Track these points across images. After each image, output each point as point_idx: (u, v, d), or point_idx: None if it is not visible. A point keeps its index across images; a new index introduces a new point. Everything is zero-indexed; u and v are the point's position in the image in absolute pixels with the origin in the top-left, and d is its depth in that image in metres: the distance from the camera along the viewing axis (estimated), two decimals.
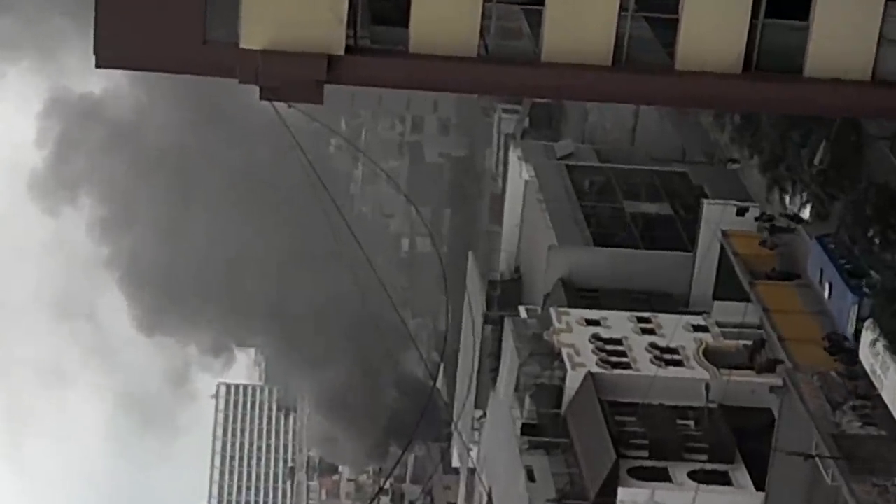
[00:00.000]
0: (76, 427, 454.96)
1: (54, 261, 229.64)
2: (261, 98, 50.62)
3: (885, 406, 68.52)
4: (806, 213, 79.20)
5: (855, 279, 71.27)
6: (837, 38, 49.50)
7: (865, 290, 69.87)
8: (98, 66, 49.70)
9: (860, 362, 68.89)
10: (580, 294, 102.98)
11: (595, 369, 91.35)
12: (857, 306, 70.06)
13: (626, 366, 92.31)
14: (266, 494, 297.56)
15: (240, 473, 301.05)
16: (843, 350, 73.17)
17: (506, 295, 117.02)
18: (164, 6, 48.64)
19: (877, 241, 68.84)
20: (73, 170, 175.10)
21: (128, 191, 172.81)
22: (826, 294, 74.31)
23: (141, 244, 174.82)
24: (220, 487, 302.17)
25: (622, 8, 49.08)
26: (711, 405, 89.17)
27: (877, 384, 66.10)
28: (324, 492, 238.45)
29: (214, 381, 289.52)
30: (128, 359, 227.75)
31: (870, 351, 66.21)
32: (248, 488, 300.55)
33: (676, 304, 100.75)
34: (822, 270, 74.28)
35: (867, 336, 66.53)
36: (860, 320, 69.61)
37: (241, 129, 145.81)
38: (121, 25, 48.65)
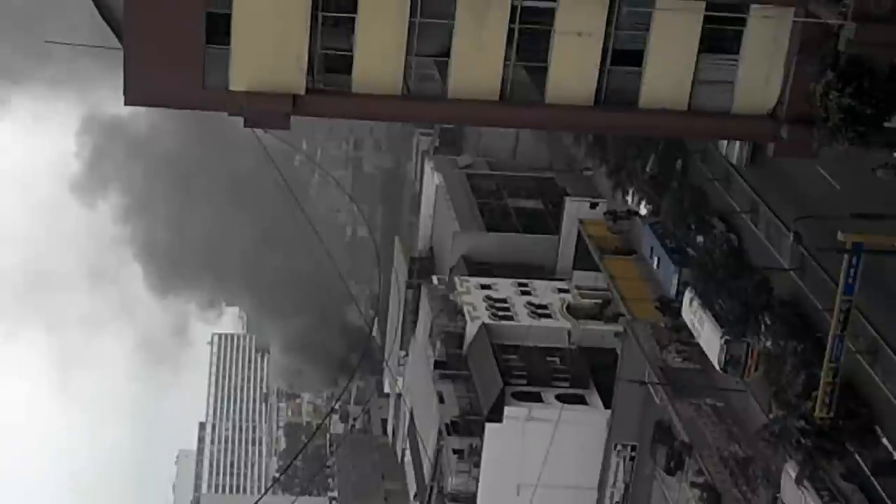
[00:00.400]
0: (107, 364, 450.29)
1: (90, 241, 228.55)
2: (244, 126, 50.23)
3: (700, 348, 68.77)
4: (640, 208, 79.12)
5: (675, 255, 71.06)
6: (663, 80, 48.97)
7: (683, 264, 70.11)
8: (126, 104, 49.28)
9: (682, 317, 68.94)
10: (477, 267, 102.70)
11: (487, 321, 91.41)
12: (677, 275, 69.75)
13: (510, 318, 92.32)
14: (247, 414, 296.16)
15: (228, 398, 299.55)
16: (670, 309, 73.25)
17: (422, 268, 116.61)
18: (175, 61, 48.03)
19: (692, 227, 68.75)
20: (103, 173, 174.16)
21: (144, 188, 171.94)
22: (655, 266, 73.84)
23: (153, 227, 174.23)
24: (214, 408, 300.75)
25: (506, 59, 48.55)
26: (572, 347, 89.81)
27: (695, 333, 65.85)
28: (290, 412, 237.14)
29: (209, 330, 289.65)
30: (143, 313, 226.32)
31: (689, 309, 65.87)
32: (234, 409, 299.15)
33: (546, 273, 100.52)
34: (652, 248, 73.74)
35: (687, 298, 66.32)
36: (679, 285, 69.47)
37: (230, 144, 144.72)
38: (143, 75, 47.96)
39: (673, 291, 71.12)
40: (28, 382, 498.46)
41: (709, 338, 63.91)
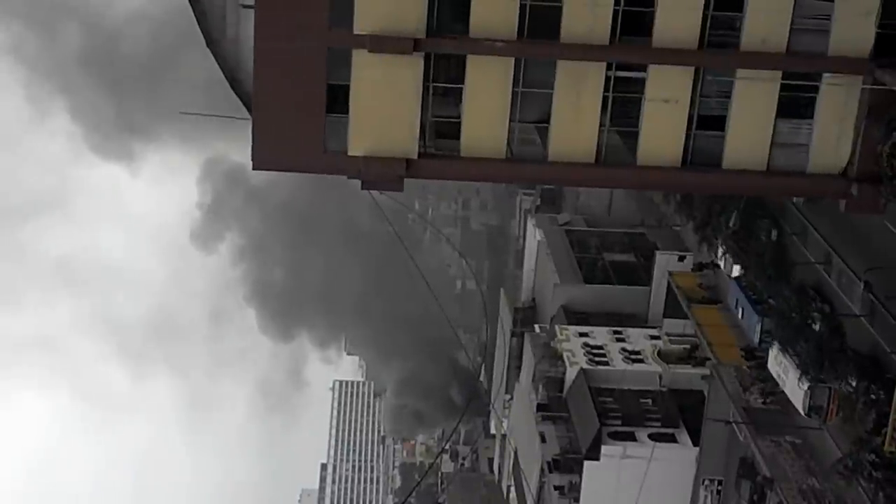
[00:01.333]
0: (229, 405, 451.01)
1: (210, 286, 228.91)
2: (362, 188, 51.15)
3: (781, 390, 68.76)
4: (724, 261, 78.97)
5: (758, 305, 70.50)
6: (744, 143, 49.46)
7: (765, 314, 69.57)
8: (254, 168, 50.22)
9: (766, 367, 68.88)
10: (575, 316, 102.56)
11: (585, 366, 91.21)
12: (760, 324, 69.34)
13: (606, 363, 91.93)
14: (365, 454, 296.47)
15: (347, 440, 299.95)
16: (753, 356, 73.17)
17: (525, 317, 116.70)
18: (298, 129, 48.97)
19: (771, 277, 68.56)
20: (222, 221, 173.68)
21: (260, 232, 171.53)
22: (740, 316, 73.35)
23: (269, 270, 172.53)
24: (335, 450, 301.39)
25: (601, 125, 48.97)
26: (663, 389, 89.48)
27: (780, 383, 65.54)
28: (404, 453, 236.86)
29: (327, 372, 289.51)
30: (261, 356, 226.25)
31: (775, 361, 65.66)
32: (353, 451, 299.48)
33: (639, 321, 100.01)
34: (737, 300, 72.99)
35: (773, 352, 66.06)
36: (762, 333, 69.14)
37: (345, 195, 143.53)
38: (269, 142, 49.01)
39: (756, 339, 70.70)
40: (154, 423, 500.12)
41: (793, 386, 63.60)
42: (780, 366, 65.17)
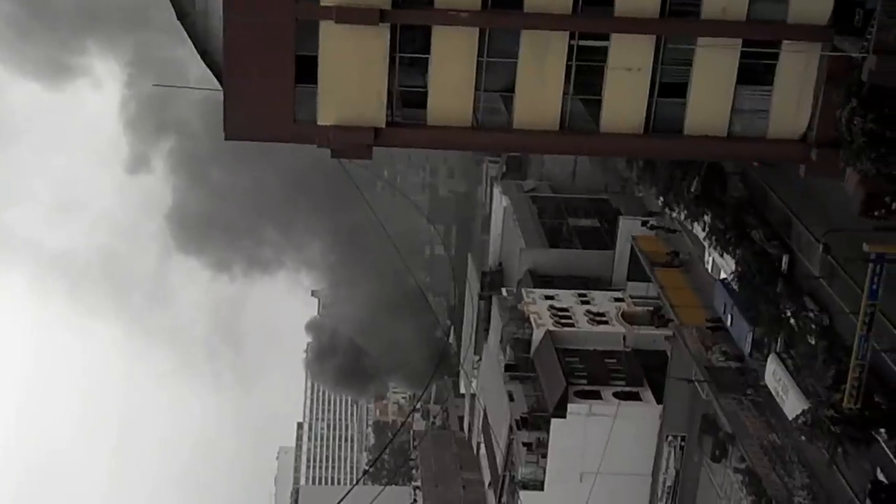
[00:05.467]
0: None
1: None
2: (332, 156, 50.87)
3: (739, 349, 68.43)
4: (688, 225, 78.57)
5: (748, 313, 66.77)
6: (704, 109, 49.22)
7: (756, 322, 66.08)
8: (226, 139, 49.99)
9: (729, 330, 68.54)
10: (541, 279, 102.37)
11: (552, 328, 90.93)
12: (751, 334, 66.20)
13: (572, 325, 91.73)
14: (340, 414, 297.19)
15: (322, 400, 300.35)
16: (718, 329, 72.89)
17: (493, 281, 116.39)
18: (268, 100, 48.74)
19: (732, 240, 67.80)
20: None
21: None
22: (728, 322, 69.70)
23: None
24: (310, 410, 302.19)
25: (564, 93, 48.79)
26: (627, 349, 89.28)
27: (778, 401, 62.08)
28: (377, 412, 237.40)
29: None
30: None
31: (773, 377, 62.35)
32: (329, 410, 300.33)
33: (603, 284, 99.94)
34: (725, 305, 69.90)
35: (770, 367, 63.03)
36: (753, 342, 66.41)
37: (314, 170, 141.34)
38: (240, 113, 48.88)
39: (747, 350, 67.65)
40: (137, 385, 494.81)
41: (793, 406, 59.90)
42: (777, 382, 62.17)
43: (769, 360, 63.20)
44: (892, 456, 53.28)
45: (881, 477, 53.86)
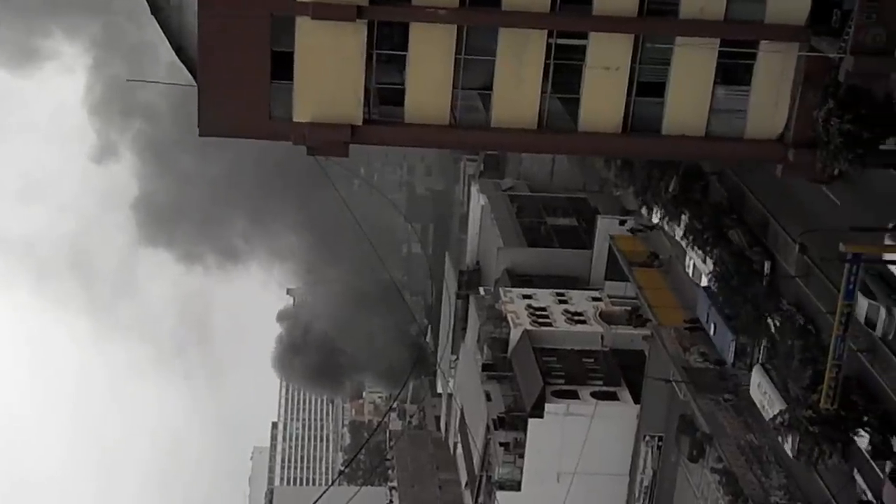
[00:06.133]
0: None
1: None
2: (308, 153, 50.87)
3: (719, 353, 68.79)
4: (664, 224, 78.90)
5: (731, 321, 66.83)
6: (682, 109, 49.49)
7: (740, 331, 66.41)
8: (200, 135, 49.81)
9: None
10: (519, 278, 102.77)
11: (529, 327, 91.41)
12: (734, 343, 66.48)
13: (549, 324, 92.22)
14: (315, 413, 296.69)
15: (297, 399, 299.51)
16: (697, 330, 73.31)
17: (470, 280, 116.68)
18: (243, 96, 48.68)
19: (710, 240, 68.21)
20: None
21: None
22: (711, 332, 69.84)
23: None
24: (285, 409, 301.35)
25: (542, 91, 48.96)
26: (605, 349, 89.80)
27: (763, 414, 62.05)
28: (353, 411, 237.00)
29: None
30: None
31: (758, 390, 62.50)
32: (303, 409, 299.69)
33: (581, 283, 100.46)
34: (707, 314, 69.95)
35: (755, 380, 63.03)
36: (736, 351, 66.73)
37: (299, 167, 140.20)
38: (215, 109, 48.71)
39: (730, 360, 67.71)
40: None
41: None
42: (763, 395, 62.05)
43: (754, 371, 63.27)
44: (868, 457, 53.87)
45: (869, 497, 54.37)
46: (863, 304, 51.73)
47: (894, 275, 51.38)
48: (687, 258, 75.16)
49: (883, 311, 51.56)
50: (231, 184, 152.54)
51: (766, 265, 63.18)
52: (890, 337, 52.12)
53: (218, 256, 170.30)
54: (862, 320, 52.32)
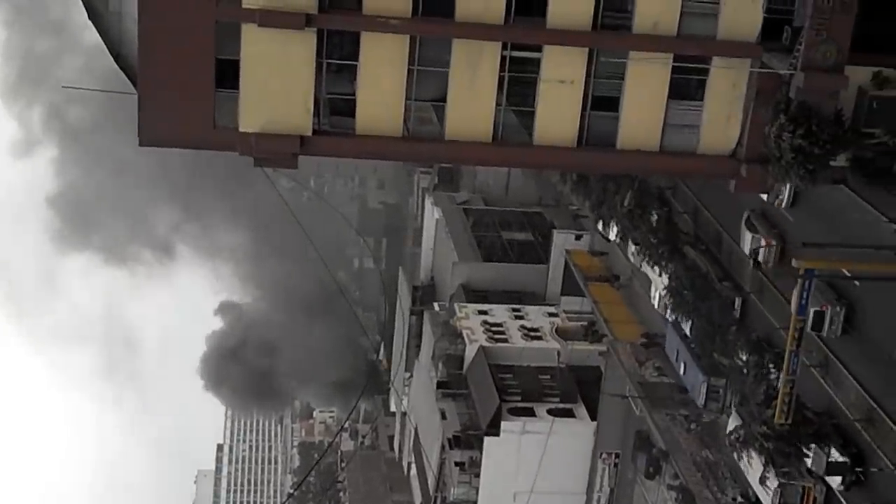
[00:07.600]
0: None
1: None
2: (255, 165, 50.70)
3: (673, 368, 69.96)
4: (618, 239, 79.90)
5: (701, 360, 66.70)
6: (637, 123, 50.25)
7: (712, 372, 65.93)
8: (141, 144, 49.37)
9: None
10: (474, 294, 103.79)
11: (485, 343, 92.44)
12: (706, 384, 65.84)
13: (505, 340, 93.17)
14: (263, 434, 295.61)
15: (244, 420, 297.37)
16: (654, 345, 74.63)
17: (424, 295, 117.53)
18: (186, 104, 48.41)
19: (664, 254, 69.45)
20: None
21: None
22: (681, 371, 69.53)
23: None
24: (231, 430, 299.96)
25: (497, 104, 49.42)
26: (561, 365, 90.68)
27: (744, 470, 60.78)
28: (303, 432, 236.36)
29: None
30: None
31: (735, 436, 60.20)
32: (251, 430, 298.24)
33: (537, 299, 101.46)
34: (677, 351, 69.75)
35: (733, 422, 61.65)
36: (708, 392, 66.15)
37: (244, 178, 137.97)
38: (156, 117, 48.36)
39: (701, 401, 66.84)
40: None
41: (757, 478, 58.90)
42: (741, 449, 59.42)
43: (731, 418, 62.44)
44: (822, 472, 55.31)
45: None
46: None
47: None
48: (642, 272, 76.27)
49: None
50: (163, 174, 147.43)
51: (737, 301, 63.91)
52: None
53: (149, 258, 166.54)
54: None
